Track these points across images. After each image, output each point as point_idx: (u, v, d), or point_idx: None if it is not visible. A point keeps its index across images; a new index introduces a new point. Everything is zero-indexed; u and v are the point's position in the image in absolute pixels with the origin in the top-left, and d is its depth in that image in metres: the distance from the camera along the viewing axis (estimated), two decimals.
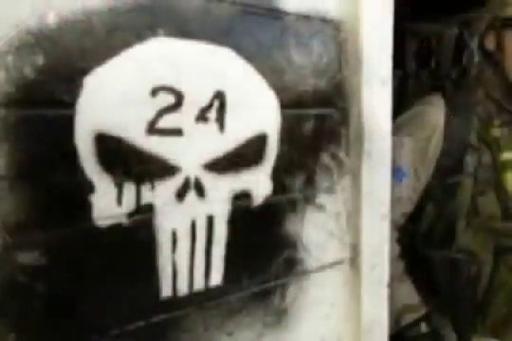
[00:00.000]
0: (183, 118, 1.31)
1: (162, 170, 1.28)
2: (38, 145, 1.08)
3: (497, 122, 2.24)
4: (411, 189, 2.23)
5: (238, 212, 1.44)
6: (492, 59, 2.26)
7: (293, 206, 1.59)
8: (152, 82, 1.25)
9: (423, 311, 2.22)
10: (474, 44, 2.30)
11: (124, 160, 1.21)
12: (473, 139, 2.20)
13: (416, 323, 2.20)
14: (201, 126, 1.35)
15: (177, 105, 1.29)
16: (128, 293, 1.24)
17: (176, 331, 1.33)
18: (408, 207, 2.25)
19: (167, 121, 1.28)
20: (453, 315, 2.23)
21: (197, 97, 1.34)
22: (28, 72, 1.06)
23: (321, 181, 1.67)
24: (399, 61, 2.39)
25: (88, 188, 1.16)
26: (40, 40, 1.07)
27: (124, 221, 1.22)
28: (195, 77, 1.33)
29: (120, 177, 1.21)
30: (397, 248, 2.22)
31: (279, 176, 1.54)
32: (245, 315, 1.48)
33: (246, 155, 1.46)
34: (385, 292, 1.87)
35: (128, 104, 1.21)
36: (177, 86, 1.29)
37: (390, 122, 1.84)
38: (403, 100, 2.55)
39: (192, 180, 1.34)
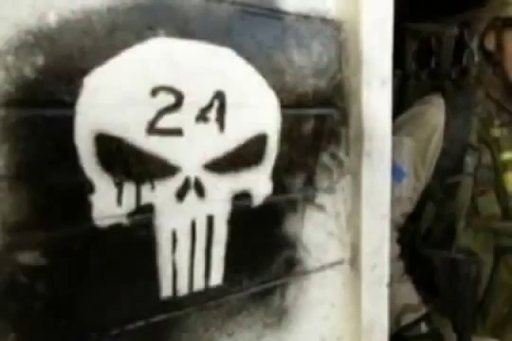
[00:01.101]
0: (183, 118, 1.31)
1: (162, 170, 1.28)
2: (38, 145, 1.08)
3: (497, 122, 2.23)
4: (410, 189, 2.23)
5: (238, 212, 1.44)
6: (492, 59, 2.25)
7: (293, 205, 1.59)
8: (152, 82, 1.25)
9: (423, 311, 2.21)
10: (474, 44, 2.30)
11: (124, 160, 1.21)
12: (473, 139, 2.19)
13: (416, 323, 2.19)
14: (201, 126, 1.35)
15: (177, 105, 1.29)
16: (128, 293, 1.24)
17: (177, 331, 1.33)
18: (408, 208, 2.25)
19: (167, 121, 1.28)
20: (453, 315, 2.22)
21: (197, 97, 1.34)
22: (28, 72, 1.06)
23: (321, 181, 1.67)
24: (399, 61, 2.39)
25: (88, 188, 1.16)
26: (40, 40, 1.07)
27: (124, 221, 1.22)
28: (195, 77, 1.33)
29: (120, 177, 1.20)
30: (397, 248, 2.21)
31: (279, 176, 1.54)
32: (245, 316, 1.47)
33: (246, 155, 1.45)
34: (385, 292, 1.87)
35: (128, 104, 1.21)
36: (177, 86, 1.29)
37: (390, 122, 1.84)
38: (403, 100, 2.55)
39: (192, 180, 1.34)
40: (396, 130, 2.08)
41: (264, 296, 1.53)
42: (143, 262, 1.26)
